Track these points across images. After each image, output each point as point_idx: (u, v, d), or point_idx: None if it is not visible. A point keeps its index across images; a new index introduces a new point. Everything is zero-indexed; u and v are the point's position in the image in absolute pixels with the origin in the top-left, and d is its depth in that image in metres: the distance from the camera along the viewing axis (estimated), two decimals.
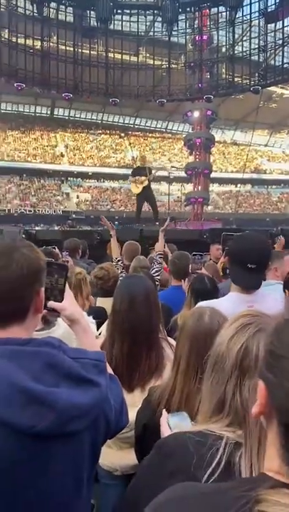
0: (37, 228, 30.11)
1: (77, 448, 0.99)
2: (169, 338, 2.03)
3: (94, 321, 2.47)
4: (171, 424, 1.21)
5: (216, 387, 1.05)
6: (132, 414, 1.51)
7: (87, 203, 45.25)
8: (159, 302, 2.00)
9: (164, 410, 1.33)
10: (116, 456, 1.73)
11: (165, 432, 1.21)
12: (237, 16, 21.47)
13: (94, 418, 1.01)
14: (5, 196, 43.21)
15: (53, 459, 0.95)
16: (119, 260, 4.23)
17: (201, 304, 1.90)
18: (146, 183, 11.74)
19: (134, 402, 1.65)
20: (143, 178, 11.64)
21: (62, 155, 48.90)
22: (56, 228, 38.65)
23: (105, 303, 3.26)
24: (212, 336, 1.17)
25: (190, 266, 3.40)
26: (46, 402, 0.92)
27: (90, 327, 1.65)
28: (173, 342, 2.05)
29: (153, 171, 11.64)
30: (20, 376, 0.91)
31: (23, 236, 9.22)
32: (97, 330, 2.52)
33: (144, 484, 1.07)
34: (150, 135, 54.13)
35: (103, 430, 1.07)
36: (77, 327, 1.36)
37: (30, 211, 41.11)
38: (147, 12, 22.97)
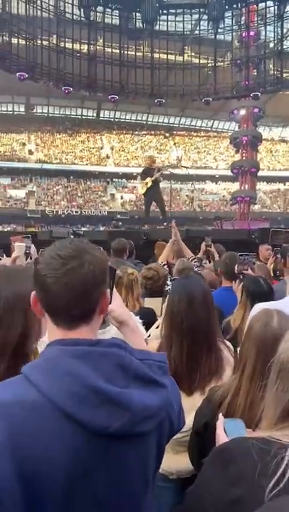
0: (83, 229, 30.75)
1: (145, 449, 0.99)
2: (225, 341, 2.00)
3: (140, 320, 2.46)
4: (227, 429, 1.19)
5: (282, 394, 1.01)
6: (190, 418, 1.48)
7: (132, 203, 45.61)
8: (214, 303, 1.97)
9: (220, 414, 1.30)
10: (173, 460, 1.71)
11: (221, 436, 1.18)
12: (286, 10, 20.90)
13: (161, 419, 1.01)
14: (53, 198, 44.40)
15: (124, 460, 0.95)
16: (164, 264, 4.22)
17: (261, 305, 1.84)
18: (150, 183, 11.66)
19: (194, 405, 1.61)
20: (148, 178, 11.52)
21: (107, 156, 49.59)
22: (101, 229, 39.30)
23: (153, 303, 3.25)
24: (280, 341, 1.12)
25: (236, 267, 3.32)
26: (121, 403, 0.92)
27: (139, 328, 1.65)
28: (229, 344, 2.01)
29: (157, 174, 11.54)
30: (93, 377, 0.92)
31: (71, 237, 9.43)
32: (146, 331, 2.52)
33: (205, 490, 1.05)
34: (195, 134, 53.77)
35: (167, 432, 1.07)
36: (125, 328, 1.34)
37: (76, 212, 42.01)
38: (193, 11, 22.84)
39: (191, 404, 1.59)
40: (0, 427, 0.86)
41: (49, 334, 1.04)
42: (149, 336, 2.48)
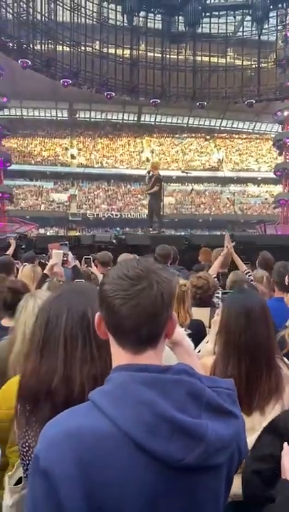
0: (124, 233, 30.96)
1: (217, 481, 0.94)
2: (283, 357, 1.90)
3: (189, 331, 2.40)
4: None
5: None
6: (250, 440, 1.42)
7: (171, 206, 45.54)
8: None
9: (285, 444, 1.22)
10: None
11: (287, 467, 1.12)
12: None
13: (232, 451, 0.95)
14: (94, 201, 45.07)
15: (196, 493, 0.91)
16: (248, 272, 4.14)
17: None
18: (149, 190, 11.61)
19: (252, 425, 1.54)
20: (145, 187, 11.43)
21: (147, 160, 49.80)
22: (140, 232, 39.45)
23: (200, 313, 3.17)
24: None
25: (287, 278, 3.17)
26: (195, 434, 0.87)
27: (192, 348, 1.58)
28: (287, 361, 1.91)
29: (155, 188, 11.39)
30: (165, 406, 0.87)
31: (114, 241, 9.47)
32: (196, 343, 2.45)
33: None
34: (237, 136, 53.08)
35: (236, 462, 1.01)
36: (180, 349, 1.27)
37: (116, 215, 42.43)
38: (236, 12, 22.58)
39: (250, 425, 1.52)
40: (69, 458, 0.84)
41: (114, 358, 1.00)
42: (198, 351, 2.40)
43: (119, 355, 0.98)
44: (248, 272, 4.17)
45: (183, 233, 28.18)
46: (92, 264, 4.75)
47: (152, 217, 13.19)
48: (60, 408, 1.06)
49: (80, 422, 0.88)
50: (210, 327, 2.90)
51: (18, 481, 1.42)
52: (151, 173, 11.60)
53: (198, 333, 2.59)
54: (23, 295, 2.49)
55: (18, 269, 4.68)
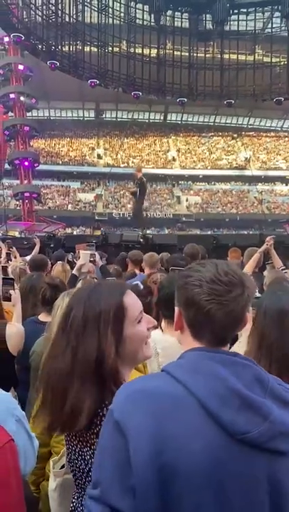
0: (148, 231, 31.00)
1: (279, 471, 0.93)
2: None
3: None
4: None
5: None
6: None
7: (198, 205, 45.29)
8: None
9: None
10: None
11: None
12: None
13: None
14: (120, 201, 45.29)
15: (256, 473, 0.91)
16: (284, 269, 4.10)
17: None
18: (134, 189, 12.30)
19: None
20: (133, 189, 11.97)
21: (174, 159, 49.70)
22: (166, 231, 39.37)
23: None
24: None
25: None
26: (261, 410, 0.91)
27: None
28: None
29: (135, 189, 12.22)
30: (235, 381, 0.93)
31: (141, 240, 9.49)
32: None
33: None
34: (264, 134, 52.33)
35: None
36: None
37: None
38: (265, 8, 22.25)
39: None
40: (143, 413, 0.89)
41: (185, 346, 1.07)
42: None
43: (192, 345, 1.05)
44: (284, 269, 4.11)
45: (209, 232, 28.02)
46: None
47: (137, 218, 13.71)
48: (53, 394, 1.19)
49: (155, 384, 0.96)
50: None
51: (62, 468, 1.48)
52: (139, 175, 12.28)
53: None
54: (61, 291, 2.54)
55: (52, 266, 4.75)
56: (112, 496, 0.87)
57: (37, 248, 6.86)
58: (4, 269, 3.53)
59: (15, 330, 2.54)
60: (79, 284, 2.98)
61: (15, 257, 5.96)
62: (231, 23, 22.63)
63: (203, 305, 1.00)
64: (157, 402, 0.91)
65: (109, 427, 0.92)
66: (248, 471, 0.91)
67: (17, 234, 18.52)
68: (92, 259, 3.56)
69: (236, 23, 22.73)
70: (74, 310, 1.24)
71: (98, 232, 29.17)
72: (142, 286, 2.70)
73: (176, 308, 1.09)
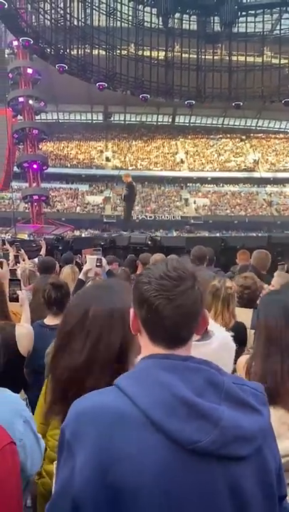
0: (156, 234, 30.96)
1: (239, 478, 0.89)
2: None
3: (232, 333, 2.37)
4: None
5: None
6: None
7: (206, 208, 45.21)
8: None
9: None
10: None
11: None
12: None
13: (257, 447, 0.92)
14: None
15: (213, 483, 0.88)
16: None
17: None
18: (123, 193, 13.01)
19: None
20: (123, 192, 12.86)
21: (182, 161, 49.69)
22: (174, 234, 39.34)
23: (243, 314, 3.10)
24: None
25: None
26: (211, 417, 0.88)
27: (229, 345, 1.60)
28: None
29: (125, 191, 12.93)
30: (183, 389, 0.89)
31: (149, 242, 9.50)
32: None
33: None
34: (273, 136, 52.11)
35: (271, 467, 0.96)
36: None
37: (150, 217, 42.50)
38: (273, 10, 22.20)
39: None
40: (89, 431, 0.88)
41: (144, 350, 1.03)
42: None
43: (149, 350, 1.01)
44: None
45: (218, 234, 27.94)
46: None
47: (126, 220, 14.22)
48: (67, 390, 1.21)
49: (102, 399, 0.93)
50: (251, 328, 2.86)
51: None
52: (128, 180, 13.03)
53: (239, 335, 2.56)
54: (66, 292, 2.54)
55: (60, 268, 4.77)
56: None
57: (43, 250, 6.90)
58: (13, 271, 3.55)
59: (25, 331, 2.55)
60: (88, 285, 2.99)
61: (23, 260, 6.00)
62: (239, 24, 22.61)
63: (151, 301, 0.97)
64: (103, 419, 0.89)
65: (62, 445, 0.92)
66: (204, 482, 0.87)
67: (26, 236, 18.62)
68: (98, 263, 3.57)
69: (244, 24, 22.71)
70: (94, 307, 1.27)
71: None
72: None
73: (131, 310, 1.06)
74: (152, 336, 1.01)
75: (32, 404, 2.68)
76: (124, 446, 0.86)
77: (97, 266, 3.53)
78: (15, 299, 2.75)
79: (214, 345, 1.59)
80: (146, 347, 1.03)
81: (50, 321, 2.91)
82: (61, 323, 1.34)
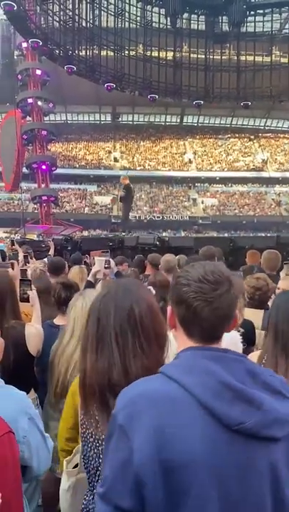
0: (164, 234, 30.90)
1: (276, 458, 0.98)
2: None
3: (242, 330, 2.39)
4: None
5: None
6: None
7: (214, 208, 45.08)
8: None
9: None
10: None
11: None
12: None
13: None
14: (136, 204, 45.38)
15: (255, 463, 0.96)
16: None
17: None
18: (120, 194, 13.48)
19: None
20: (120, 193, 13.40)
21: (190, 161, 49.61)
22: (182, 234, 39.26)
23: (253, 315, 3.09)
24: None
25: None
26: (253, 401, 0.96)
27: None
28: None
29: (121, 193, 13.40)
30: (227, 376, 0.98)
31: (157, 243, 9.50)
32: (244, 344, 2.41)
33: None
34: (282, 136, 51.81)
35: None
36: None
37: (158, 217, 42.49)
38: (282, 9, 22.08)
39: None
40: (144, 414, 0.95)
41: (180, 345, 1.13)
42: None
43: (186, 344, 1.11)
44: None
45: (226, 235, 27.84)
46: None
47: (124, 221, 14.58)
48: None
49: (153, 386, 1.01)
50: (262, 329, 2.85)
51: (75, 467, 1.47)
52: (126, 182, 13.46)
53: (247, 332, 2.55)
54: (75, 291, 2.56)
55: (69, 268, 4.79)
56: (115, 495, 0.93)
57: (52, 250, 6.94)
58: (23, 271, 3.57)
59: (34, 331, 2.56)
60: (99, 285, 3.01)
61: (31, 258, 6.04)
62: (248, 24, 22.51)
63: (190, 303, 1.07)
64: (156, 403, 0.96)
65: (113, 431, 0.98)
66: (247, 460, 0.95)
67: (35, 237, 18.71)
68: (106, 265, 3.59)
69: (253, 24, 22.61)
70: (136, 306, 1.28)
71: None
72: (153, 292, 2.71)
73: (169, 307, 1.15)
74: (189, 332, 1.11)
75: (41, 404, 2.70)
76: (176, 426, 0.94)
77: (105, 267, 3.55)
78: (25, 299, 2.73)
79: (222, 344, 1.60)
80: (182, 341, 1.12)
81: (59, 320, 2.92)
82: (96, 332, 1.32)
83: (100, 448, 1.26)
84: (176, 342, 1.15)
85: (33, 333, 2.55)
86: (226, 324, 1.10)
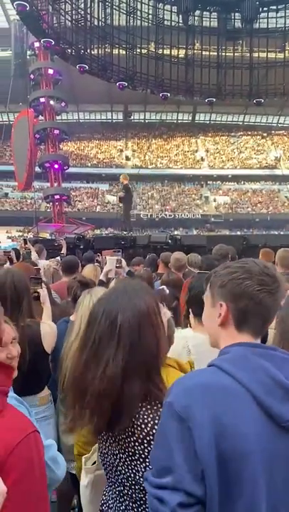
0: (176, 232, 30.85)
1: None
2: None
3: None
4: None
5: None
6: None
7: (226, 206, 44.85)
8: None
9: None
10: None
11: None
12: None
13: None
14: (148, 202, 45.37)
15: None
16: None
17: None
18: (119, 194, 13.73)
19: None
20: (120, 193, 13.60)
21: (202, 159, 49.41)
22: (194, 232, 39.13)
23: None
24: None
25: None
26: None
27: None
28: None
29: (120, 193, 13.61)
30: (278, 374, 1.02)
31: (169, 241, 9.48)
32: None
33: None
34: None
35: None
36: None
37: (170, 216, 42.43)
38: None
39: None
40: (202, 403, 0.98)
41: (228, 339, 1.16)
42: None
43: (235, 339, 1.15)
44: None
45: (239, 233, 27.70)
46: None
47: (125, 221, 14.77)
48: (103, 400, 1.22)
49: (207, 377, 1.06)
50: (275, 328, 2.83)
51: (93, 465, 1.50)
52: (125, 182, 13.89)
53: None
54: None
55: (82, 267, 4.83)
56: (188, 482, 0.94)
57: (64, 249, 6.99)
58: (37, 271, 3.61)
59: (49, 329, 2.60)
60: (112, 283, 3.02)
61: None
62: (261, 20, 22.28)
63: (255, 294, 1.13)
64: (212, 394, 1.00)
65: (170, 418, 1.00)
66: None
67: (48, 235, 18.84)
68: (118, 264, 3.60)
69: (266, 20, 22.38)
70: (120, 314, 1.28)
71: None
72: (167, 291, 2.71)
73: (223, 304, 1.17)
74: (241, 326, 1.16)
75: (54, 400, 2.73)
76: (232, 417, 0.97)
77: (117, 267, 3.57)
78: (36, 298, 2.74)
79: None
80: (231, 336, 1.16)
81: (74, 317, 2.95)
82: (86, 333, 1.33)
83: (113, 444, 1.27)
84: (221, 338, 1.19)
85: (48, 331, 2.58)
86: (274, 315, 1.18)
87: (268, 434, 0.98)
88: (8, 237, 34.39)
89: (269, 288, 1.13)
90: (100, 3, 21.25)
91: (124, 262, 3.76)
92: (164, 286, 2.97)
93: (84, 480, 1.50)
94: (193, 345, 2.25)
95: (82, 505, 1.52)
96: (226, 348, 1.13)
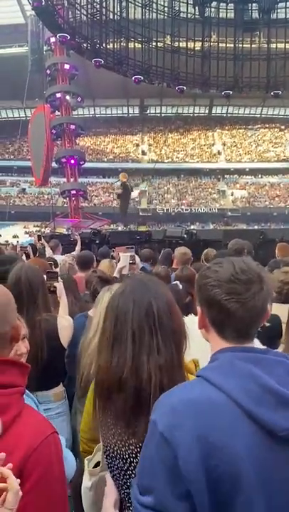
0: (192, 227, 30.74)
1: None
2: None
3: (268, 324, 2.35)
4: None
5: None
6: None
7: (244, 199, 44.41)
8: None
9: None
10: None
11: None
12: None
13: None
14: (164, 196, 45.23)
15: None
16: None
17: None
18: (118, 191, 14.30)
19: None
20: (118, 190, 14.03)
21: (219, 153, 48.97)
22: (211, 226, 38.90)
23: (279, 310, 3.05)
24: None
25: None
26: None
27: None
28: None
29: (118, 191, 14.31)
30: (268, 380, 0.95)
31: (185, 236, 9.44)
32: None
33: None
34: None
35: None
36: None
37: (186, 210, 42.24)
38: None
39: None
40: (187, 424, 0.92)
41: (213, 346, 1.10)
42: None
43: (220, 344, 1.08)
44: None
45: (256, 227, 27.40)
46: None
47: (122, 215, 15.60)
48: (131, 398, 1.19)
49: (193, 391, 0.99)
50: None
51: (96, 465, 1.48)
52: (120, 181, 14.51)
53: (274, 327, 2.52)
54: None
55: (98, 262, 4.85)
56: (168, 504, 0.90)
57: (79, 245, 7.05)
58: (51, 265, 3.63)
59: (66, 323, 2.59)
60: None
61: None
62: (278, 10, 21.89)
63: (223, 304, 1.04)
64: (198, 411, 0.94)
65: (154, 438, 0.96)
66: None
67: (64, 231, 18.98)
68: (132, 261, 3.60)
69: (284, 10, 21.98)
70: (154, 303, 1.25)
71: (143, 228, 29.36)
72: (180, 286, 2.70)
73: (198, 308, 1.12)
74: (222, 333, 1.08)
75: (69, 397, 2.73)
76: (220, 434, 0.91)
77: (130, 263, 3.57)
78: (52, 292, 2.74)
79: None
80: (216, 342, 1.10)
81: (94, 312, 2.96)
82: (115, 328, 1.28)
83: (122, 449, 1.24)
84: (209, 342, 1.12)
85: (65, 325, 2.58)
86: (260, 321, 1.07)
87: (263, 450, 0.91)
88: (26, 233, 34.74)
89: (239, 297, 1.03)
90: None
91: (137, 259, 3.75)
92: (177, 282, 2.96)
93: (87, 482, 1.47)
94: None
95: (84, 508, 1.50)
96: (215, 355, 1.06)
